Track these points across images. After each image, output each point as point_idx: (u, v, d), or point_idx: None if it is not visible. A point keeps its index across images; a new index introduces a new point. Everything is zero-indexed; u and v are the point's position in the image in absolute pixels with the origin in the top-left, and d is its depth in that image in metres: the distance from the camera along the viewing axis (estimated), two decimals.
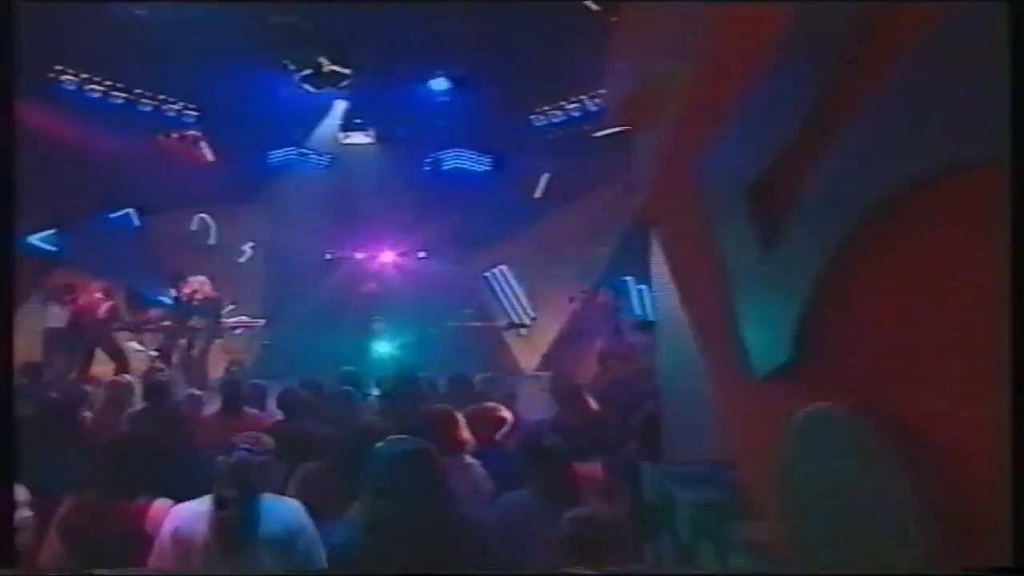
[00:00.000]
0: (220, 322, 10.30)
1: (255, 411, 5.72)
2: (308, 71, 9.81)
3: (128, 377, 6.03)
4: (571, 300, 10.71)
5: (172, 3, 9.08)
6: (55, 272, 11.21)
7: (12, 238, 2.60)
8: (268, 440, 3.36)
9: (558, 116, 11.30)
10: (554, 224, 12.61)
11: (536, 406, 6.04)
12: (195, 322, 9.43)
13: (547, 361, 11.41)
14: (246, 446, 3.28)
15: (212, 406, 5.97)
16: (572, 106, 10.96)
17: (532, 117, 11.58)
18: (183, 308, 9.33)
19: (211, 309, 9.51)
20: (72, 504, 3.46)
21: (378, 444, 2.88)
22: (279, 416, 5.33)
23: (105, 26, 9.70)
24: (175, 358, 9.13)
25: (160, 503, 3.33)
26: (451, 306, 12.65)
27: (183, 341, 9.25)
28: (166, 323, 10.12)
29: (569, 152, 12.34)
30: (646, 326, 8.03)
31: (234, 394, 5.71)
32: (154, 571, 3.13)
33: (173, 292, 9.75)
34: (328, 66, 9.56)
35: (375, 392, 7.11)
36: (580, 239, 12.37)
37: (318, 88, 10.20)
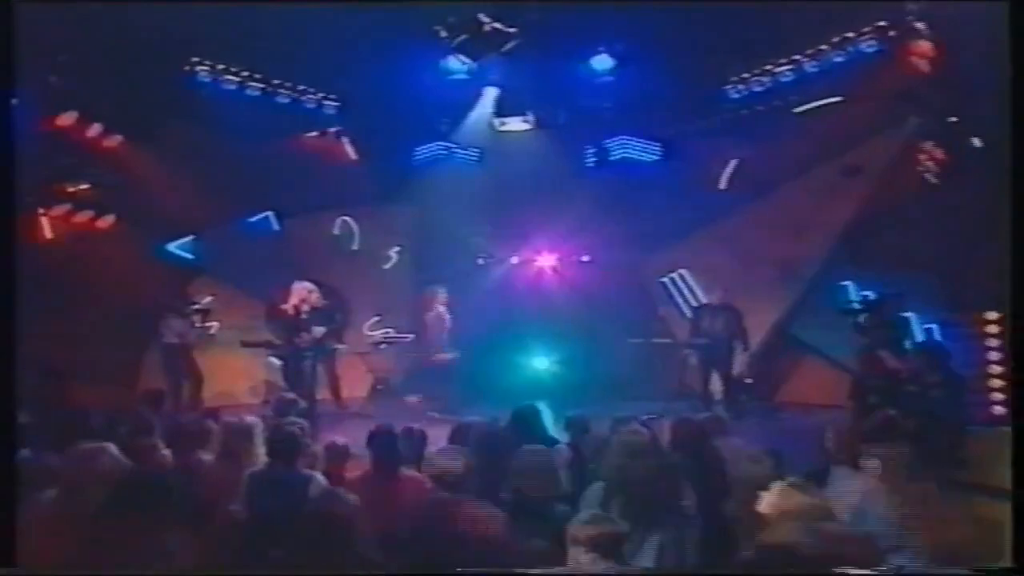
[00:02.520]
0: (333, 336, 8.86)
1: (417, 474, 4.14)
2: (463, 37, 8.23)
3: (249, 419, 4.59)
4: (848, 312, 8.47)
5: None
6: (194, 282, 10.41)
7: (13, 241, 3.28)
8: None
9: (764, 83, 9.13)
10: (744, 219, 10.53)
11: None
12: (303, 339, 7.92)
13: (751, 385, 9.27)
14: None
15: (359, 462, 4.44)
16: (782, 68, 8.76)
17: (728, 87, 9.50)
18: (288, 324, 7.90)
19: (321, 321, 8.06)
20: None
21: None
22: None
23: (240, 12, 8.74)
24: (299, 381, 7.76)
25: None
26: (621, 318, 10.81)
27: (307, 363, 7.87)
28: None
29: (761, 133, 10.27)
30: (935, 352, 5.84)
31: (389, 451, 4.16)
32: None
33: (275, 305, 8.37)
34: (489, 24, 7.92)
35: (565, 440, 5.42)
36: (779, 236, 10.21)
37: (475, 58, 8.69)
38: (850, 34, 8.16)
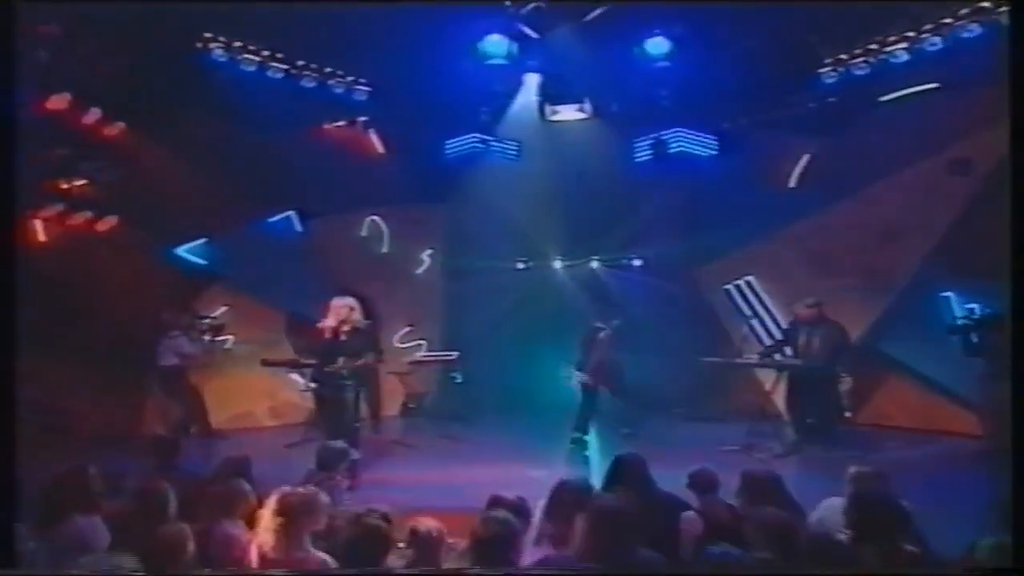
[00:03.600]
0: (376, 359, 7.75)
1: None
2: (533, 5, 7.09)
3: (304, 493, 3.44)
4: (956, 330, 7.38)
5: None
6: (207, 291, 9.37)
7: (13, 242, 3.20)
8: None
9: (871, 63, 7.95)
10: (820, 222, 9.50)
11: None
12: (343, 363, 6.68)
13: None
14: None
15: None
16: (895, 47, 7.57)
17: (822, 71, 8.38)
18: (326, 347, 6.66)
19: (362, 343, 6.83)
20: None
21: None
22: None
23: None
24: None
25: None
26: (680, 329, 9.77)
27: (348, 394, 6.67)
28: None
29: (839, 125, 9.18)
30: None
31: (503, 547, 3.03)
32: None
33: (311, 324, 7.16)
34: None
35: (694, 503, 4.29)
36: (863, 241, 9.16)
37: (542, 32, 7.55)
38: (986, 3, 6.87)
